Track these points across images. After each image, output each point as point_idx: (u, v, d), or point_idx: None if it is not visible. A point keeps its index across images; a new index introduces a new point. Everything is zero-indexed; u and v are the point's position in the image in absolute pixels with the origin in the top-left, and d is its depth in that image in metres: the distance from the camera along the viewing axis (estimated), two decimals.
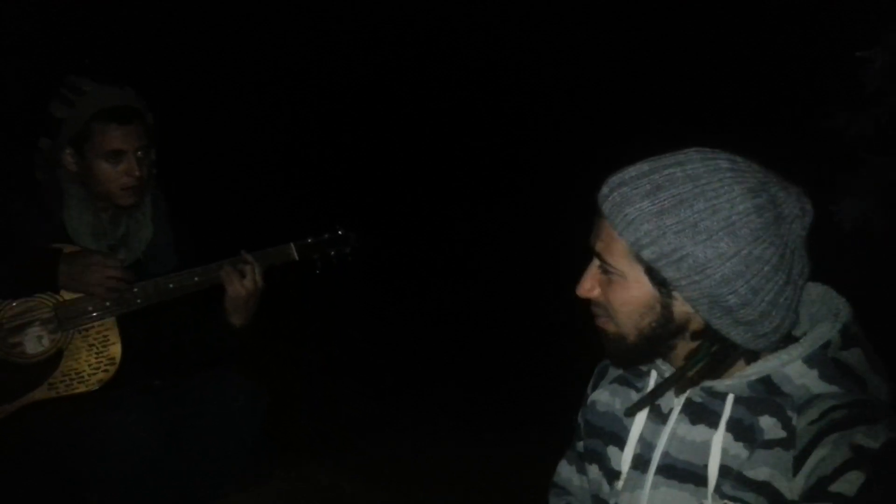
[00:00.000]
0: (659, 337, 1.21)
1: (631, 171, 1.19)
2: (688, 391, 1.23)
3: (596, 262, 1.24)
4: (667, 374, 1.26)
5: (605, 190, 1.20)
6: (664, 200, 1.14)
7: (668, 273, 1.15)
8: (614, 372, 1.38)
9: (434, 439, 3.47)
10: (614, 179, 1.20)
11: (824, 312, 1.21)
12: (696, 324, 1.19)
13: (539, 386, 4.08)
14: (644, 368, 1.32)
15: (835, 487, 1.04)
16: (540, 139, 5.80)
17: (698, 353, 1.20)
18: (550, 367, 4.17)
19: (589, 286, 1.25)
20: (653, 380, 1.30)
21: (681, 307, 1.18)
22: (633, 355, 1.25)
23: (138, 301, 2.08)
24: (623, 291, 1.20)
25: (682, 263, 1.13)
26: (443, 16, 5.52)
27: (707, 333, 1.19)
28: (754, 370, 1.17)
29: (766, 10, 4.61)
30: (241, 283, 2.09)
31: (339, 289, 2.28)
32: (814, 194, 1.20)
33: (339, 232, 2.32)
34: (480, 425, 3.68)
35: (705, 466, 1.17)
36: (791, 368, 1.16)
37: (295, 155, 5.68)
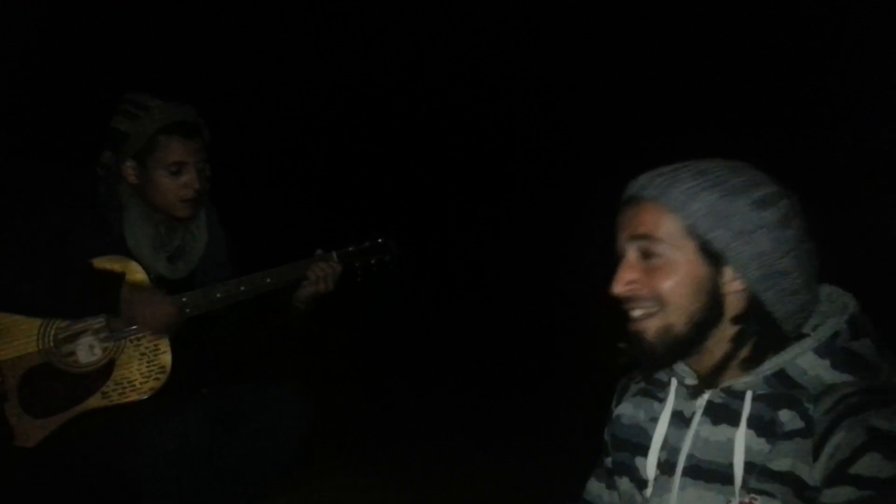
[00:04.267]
0: (706, 323, 1.22)
1: (665, 167, 1.25)
2: (707, 393, 1.26)
3: (633, 253, 1.25)
4: (687, 381, 1.29)
5: (643, 179, 1.25)
6: (712, 178, 1.22)
7: (724, 238, 1.19)
8: (636, 386, 1.41)
9: (451, 445, 3.49)
10: (650, 172, 1.25)
11: (832, 309, 1.25)
12: (737, 306, 1.22)
13: (552, 392, 4.08)
14: (665, 378, 1.34)
15: (854, 469, 1.07)
16: (552, 144, 5.78)
17: (744, 335, 1.22)
18: (563, 374, 4.17)
19: (630, 277, 1.24)
20: (673, 388, 1.32)
21: (728, 284, 1.21)
22: (677, 349, 1.24)
23: (187, 311, 2.13)
24: (673, 273, 1.21)
25: (739, 226, 1.19)
26: (460, 21, 5.52)
27: (749, 314, 1.21)
28: (769, 365, 1.21)
29: (809, 25, 4.55)
30: (324, 279, 2.22)
31: (352, 294, 2.34)
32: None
33: (379, 240, 2.36)
34: (497, 431, 3.68)
35: (730, 465, 1.20)
36: (804, 360, 1.19)
37: (310, 162, 5.71)
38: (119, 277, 2.06)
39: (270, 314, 2.29)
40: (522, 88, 5.65)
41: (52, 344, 2.06)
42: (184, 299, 2.13)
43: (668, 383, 1.33)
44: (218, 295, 2.17)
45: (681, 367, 1.30)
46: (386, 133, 5.80)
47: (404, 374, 4.49)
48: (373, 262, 2.34)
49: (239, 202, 2.51)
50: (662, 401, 1.33)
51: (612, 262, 1.27)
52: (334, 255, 2.28)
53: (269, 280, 2.22)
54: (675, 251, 1.21)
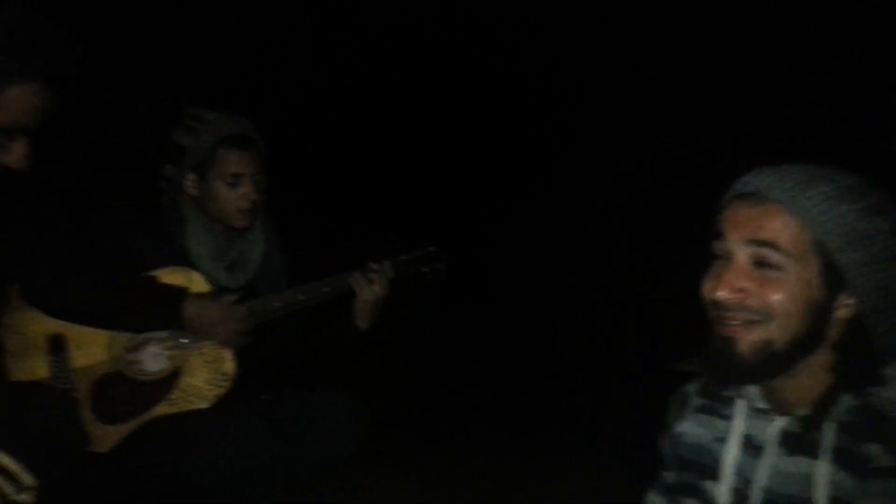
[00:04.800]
0: (806, 345, 1.13)
1: (790, 167, 1.14)
2: (779, 419, 1.19)
3: (744, 257, 1.14)
4: (757, 404, 1.22)
5: (769, 177, 1.13)
6: (850, 190, 1.12)
7: (856, 263, 1.10)
8: (696, 401, 1.32)
9: (474, 446, 3.51)
10: (773, 170, 1.14)
11: None
12: (840, 332, 1.14)
13: (576, 394, 4.09)
14: (729, 394, 1.27)
15: None
16: (575, 140, 5.77)
17: (843, 365, 1.14)
18: (589, 376, 4.19)
19: (740, 284, 1.12)
20: (739, 408, 1.25)
21: (840, 309, 1.13)
22: (770, 367, 1.14)
23: (248, 320, 2.19)
24: (789, 288, 1.11)
25: (876, 251, 1.10)
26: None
27: (850, 342, 1.13)
28: (852, 394, 1.13)
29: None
30: (370, 289, 2.26)
31: (400, 302, 2.40)
32: None
33: (430, 249, 2.41)
34: (524, 433, 3.69)
35: (809, 500, 1.12)
36: (892, 391, 1.12)
37: (360, 174, 5.73)
38: (181, 292, 2.10)
39: (327, 322, 2.35)
40: (566, 89, 5.64)
41: (120, 352, 2.12)
42: (244, 308, 2.19)
43: (733, 402, 1.26)
44: (276, 304, 2.22)
45: (749, 387, 1.23)
46: (434, 144, 5.82)
47: (431, 377, 4.53)
48: (425, 270, 2.39)
49: (294, 213, 2.56)
50: (727, 419, 1.26)
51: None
52: (388, 264, 2.34)
53: (325, 289, 2.27)
54: (796, 265, 1.11)
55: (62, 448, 1.46)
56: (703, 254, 1.22)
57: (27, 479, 1.34)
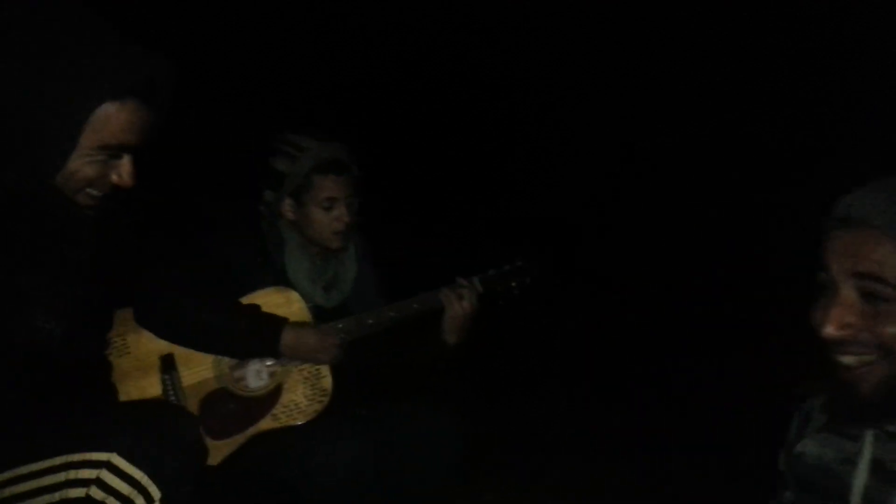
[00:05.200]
0: None
1: (880, 183, 1.09)
2: None
3: (850, 290, 1.08)
4: (888, 426, 1.15)
5: (870, 202, 1.07)
6: None
7: None
8: (819, 418, 1.26)
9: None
10: (867, 190, 1.09)
11: None
12: None
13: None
14: None
15: None
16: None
17: None
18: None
19: (847, 320, 1.07)
20: (869, 431, 1.18)
21: None
22: None
23: (342, 336, 2.26)
24: None
25: None
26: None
27: None
28: None
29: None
30: (460, 304, 2.30)
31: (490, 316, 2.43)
32: None
33: (519, 263, 2.45)
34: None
35: None
36: None
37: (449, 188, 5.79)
38: (280, 322, 2.18)
39: (418, 338, 2.40)
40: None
41: (226, 370, 2.22)
42: (339, 325, 2.27)
43: None
44: (370, 321, 2.30)
45: None
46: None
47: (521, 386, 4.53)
48: (514, 284, 2.42)
49: (385, 231, 2.64)
50: (854, 440, 1.19)
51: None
52: (477, 280, 2.38)
53: (415, 306, 2.33)
54: None
55: (188, 462, 1.53)
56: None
57: (155, 491, 1.42)
